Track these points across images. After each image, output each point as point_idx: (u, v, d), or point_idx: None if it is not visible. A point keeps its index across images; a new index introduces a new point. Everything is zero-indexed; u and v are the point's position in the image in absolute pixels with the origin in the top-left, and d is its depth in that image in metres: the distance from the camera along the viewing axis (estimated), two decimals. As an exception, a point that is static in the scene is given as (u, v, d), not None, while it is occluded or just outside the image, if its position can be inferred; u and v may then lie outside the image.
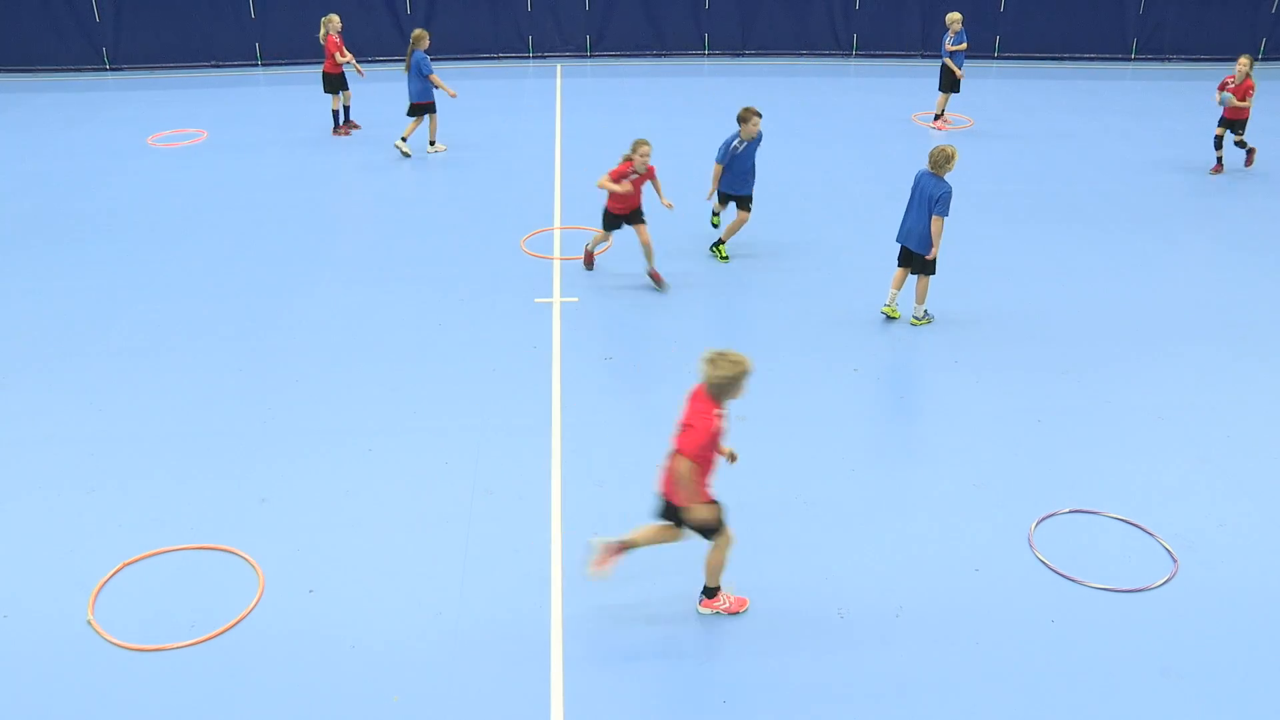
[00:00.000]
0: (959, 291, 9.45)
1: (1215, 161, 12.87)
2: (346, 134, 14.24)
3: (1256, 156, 12.95)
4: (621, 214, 9.36)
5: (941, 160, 8.18)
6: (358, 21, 18.68)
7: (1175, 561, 5.96)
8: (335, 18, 13.95)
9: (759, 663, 5.24)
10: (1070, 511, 6.36)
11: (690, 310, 9.07)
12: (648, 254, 9.33)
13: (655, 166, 9.26)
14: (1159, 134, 14.66)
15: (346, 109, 14.37)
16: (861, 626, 5.49)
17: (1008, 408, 7.56)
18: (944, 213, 8.18)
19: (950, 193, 8.18)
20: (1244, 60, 12.17)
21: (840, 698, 5.04)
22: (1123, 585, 5.77)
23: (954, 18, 14.44)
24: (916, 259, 8.56)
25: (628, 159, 9.08)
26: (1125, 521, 6.13)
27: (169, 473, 6.74)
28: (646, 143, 9.07)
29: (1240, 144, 12.78)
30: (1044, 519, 6.28)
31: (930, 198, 8.21)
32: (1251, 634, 5.47)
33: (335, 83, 14.03)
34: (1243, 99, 12.28)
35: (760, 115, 9.50)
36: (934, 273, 8.59)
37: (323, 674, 5.16)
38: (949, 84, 14.60)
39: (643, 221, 9.33)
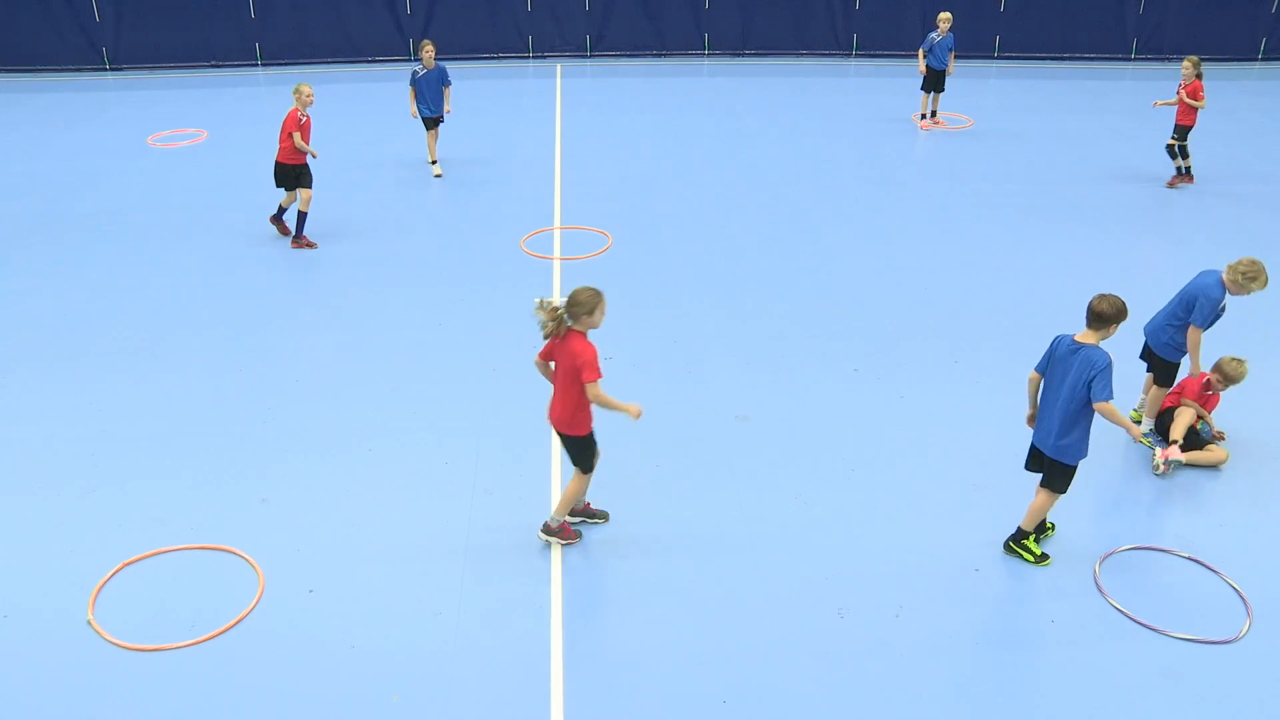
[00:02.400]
0: (959, 291, 9.47)
1: (1175, 172, 12.33)
2: (309, 245, 10.39)
3: (1182, 183, 12.22)
4: None
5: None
6: (358, 21, 18.72)
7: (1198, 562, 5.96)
8: (305, 87, 10.36)
9: (759, 663, 5.23)
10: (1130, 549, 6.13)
11: (691, 309, 9.06)
12: None
13: None
14: (1159, 134, 14.63)
15: (302, 215, 10.33)
16: (861, 626, 5.48)
17: (1008, 407, 7.55)
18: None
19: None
20: (1188, 61, 11.73)
21: (840, 698, 5.03)
22: (1196, 634, 5.71)
23: (945, 17, 14.48)
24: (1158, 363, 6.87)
25: None
26: (1164, 551, 6.12)
27: (169, 473, 6.74)
28: None
29: (1178, 149, 12.08)
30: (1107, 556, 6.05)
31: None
32: (1254, 633, 5.47)
33: (289, 175, 10.29)
34: (1189, 101, 11.73)
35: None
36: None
37: (323, 674, 5.16)
38: (932, 83, 14.71)
39: None
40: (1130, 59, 19.34)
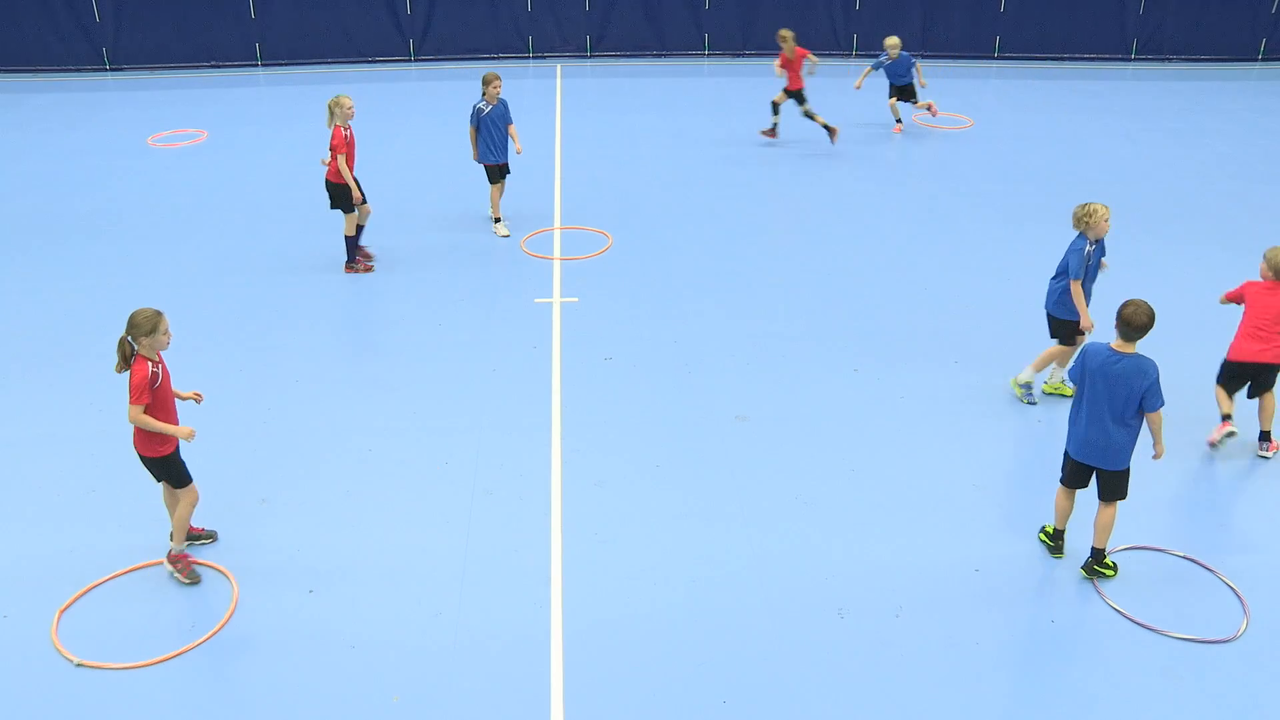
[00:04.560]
0: (959, 291, 9.47)
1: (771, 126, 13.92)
2: (367, 268, 9.83)
3: (835, 137, 13.70)
4: None
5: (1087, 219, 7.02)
6: (358, 21, 18.71)
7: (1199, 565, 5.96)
8: (344, 100, 9.42)
9: (759, 663, 5.24)
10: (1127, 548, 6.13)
11: (691, 309, 9.06)
12: None
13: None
14: (1159, 134, 14.66)
15: (359, 230, 9.73)
16: (861, 626, 5.48)
17: (1008, 408, 7.56)
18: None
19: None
20: (784, 38, 13.48)
21: (840, 698, 5.03)
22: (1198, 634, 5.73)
23: (892, 43, 14.26)
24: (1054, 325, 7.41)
25: None
26: (1161, 550, 6.11)
27: (169, 473, 6.73)
28: None
29: (778, 108, 13.76)
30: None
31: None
32: (1252, 632, 5.47)
33: (343, 195, 9.41)
34: (782, 70, 13.46)
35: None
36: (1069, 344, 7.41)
37: (323, 674, 5.16)
38: (901, 94, 14.54)
39: None
40: (1130, 59, 19.33)
